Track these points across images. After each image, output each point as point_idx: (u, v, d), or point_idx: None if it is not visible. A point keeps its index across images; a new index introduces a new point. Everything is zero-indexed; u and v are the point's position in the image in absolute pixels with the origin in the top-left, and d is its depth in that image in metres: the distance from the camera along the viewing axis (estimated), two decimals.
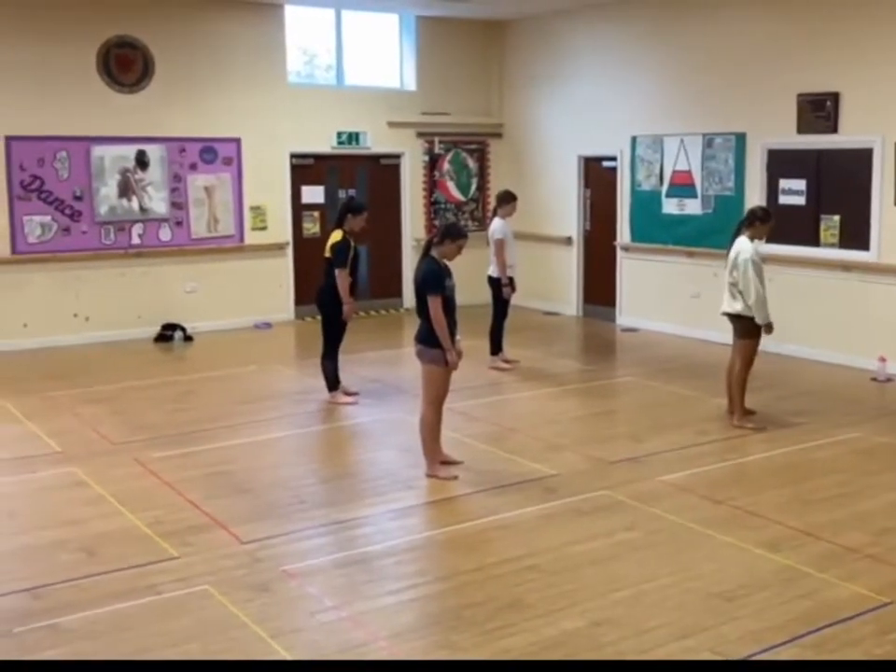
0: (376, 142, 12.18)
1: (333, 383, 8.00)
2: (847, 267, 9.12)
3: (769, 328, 7.11)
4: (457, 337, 6.07)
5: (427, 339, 5.97)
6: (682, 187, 10.67)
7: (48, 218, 10.28)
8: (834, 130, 9.14)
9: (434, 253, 6.05)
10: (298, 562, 4.89)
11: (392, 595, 4.53)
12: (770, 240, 8.65)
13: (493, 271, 9.16)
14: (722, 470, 6.31)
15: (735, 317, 7.20)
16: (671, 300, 10.88)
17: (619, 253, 11.53)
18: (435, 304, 5.89)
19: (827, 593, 4.50)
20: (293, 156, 11.69)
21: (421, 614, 4.39)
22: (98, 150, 10.47)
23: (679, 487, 5.92)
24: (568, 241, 12.15)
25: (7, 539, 5.23)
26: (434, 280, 5.94)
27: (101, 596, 4.50)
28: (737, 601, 4.41)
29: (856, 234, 9.06)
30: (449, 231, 6.10)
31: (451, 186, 12.77)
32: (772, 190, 9.71)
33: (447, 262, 6.09)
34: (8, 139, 10.01)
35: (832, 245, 9.28)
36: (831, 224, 9.26)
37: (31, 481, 6.16)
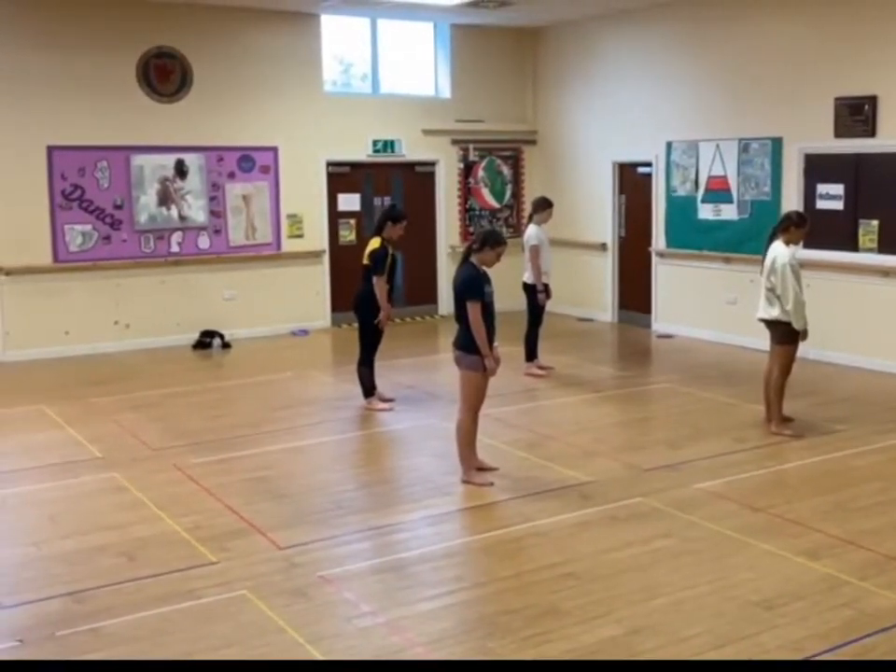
0: (411, 149, 12.24)
1: (369, 389, 8.04)
2: (886, 272, 9.02)
3: (804, 334, 7.05)
4: (495, 343, 6.09)
5: (466, 345, 5.99)
6: (718, 192, 10.61)
7: (88, 227, 10.43)
8: (872, 134, 9.05)
9: (473, 259, 6.07)
10: (335, 567, 4.92)
11: (429, 601, 4.54)
12: (808, 245, 8.60)
13: (528, 277, 9.16)
14: (761, 478, 6.26)
15: (771, 323, 7.14)
16: (707, 306, 10.81)
17: (654, 259, 11.48)
18: (474, 310, 5.91)
19: (868, 601, 4.44)
20: (329, 164, 11.78)
21: (458, 620, 4.39)
22: (138, 159, 10.61)
23: (717, 495, 5.88)
24: (603, 247, 12.12)
25: (49, 543, 5.30)
26: (474, 286, 5.96)
27: (141, 601, 4.56)
28: (777, 610, 4.38)
29: (895, 239, 8.95)
30: (488, 238, 6.11)
31: (485, 193, 12.80)
32: (809, 195, 9.63)
33: (486, 269, 6.11)
34: (50, 149, 10.17)
35: (870, 250, 9.18)
36: (869, 229, 9.17)
37: (72, 486, 6.25)
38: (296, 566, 4.94)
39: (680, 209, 11.08)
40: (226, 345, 10.88)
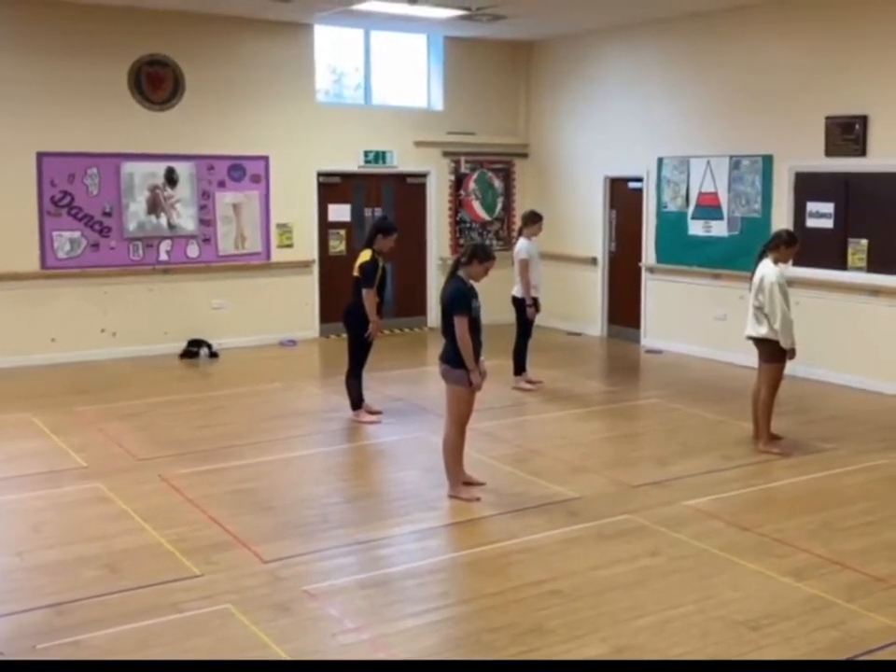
0: (403, 161, 12.24)
1: (357, 401, 8.01)
2: (874, 291, 9.04)
3: (792, 353, 7.06)
4: (482, 357, 6.07)
5: (452, 359, 5.97)
6: (708, 208, 10.64)
7: (77, 234, 10.38)
8: (863, 153, 9.08)
9: (461, 273, 6.05)
10: (319, 582, 4.89)
11: (413, 617, 4.51)
12: (797, 263, 8.62)
13: (517, 291, 9.15)
14: (748, 496, 6.25)
15: (759, 341, 7.15)
16: (696, 321, 10.83)
17: (644, 274, 11.49)
18: (462, 325, 5.88)
19: (854, 623, 4.43)
20: (320, 174, 11.76)
21: (442, 638, 4.36)
22: (128, 167, 10.57)
23: (704, 512, 5.87)
24: (593, 261, 12.13)
25: (32, 554, 5.25)
26: (461, 300, 5.94)
27: (124, 614, 4.51)
28: (763, 630, 4.36)
29: (884, 258, 8.98)
30: (477, 252, 6.09)
31: (476, 205, 12.80)
32: (799, 213, 9.66)
33: (473, 283, 6.10)
34: (40, 155, 10.12)
35: (859, 269, 9.20)
36: (858, 248, 9.20)
37: (56, 496, 6.19)
38: (280, 580, 4.90)
39: (671, 225, 11.10)
40: (213, 355, 10.83)
